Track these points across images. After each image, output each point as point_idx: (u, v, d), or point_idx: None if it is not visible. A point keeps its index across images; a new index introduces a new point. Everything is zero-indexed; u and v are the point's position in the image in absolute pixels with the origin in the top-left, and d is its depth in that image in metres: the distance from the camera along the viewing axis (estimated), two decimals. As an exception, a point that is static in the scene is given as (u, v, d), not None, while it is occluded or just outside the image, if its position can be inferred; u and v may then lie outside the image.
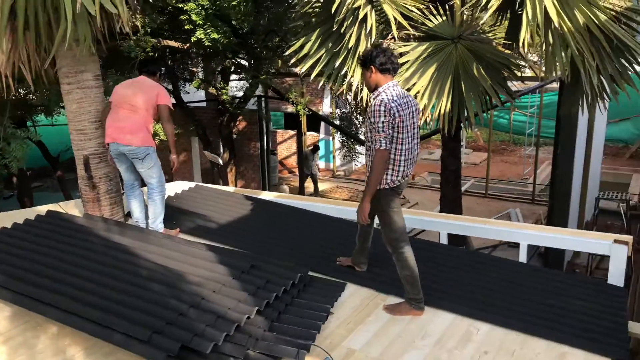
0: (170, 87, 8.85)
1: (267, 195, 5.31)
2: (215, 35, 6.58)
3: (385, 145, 3.12)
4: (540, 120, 12.34)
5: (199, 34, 6.56)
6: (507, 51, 5.84)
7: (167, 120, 4.31)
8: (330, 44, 5.26)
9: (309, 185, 13.39)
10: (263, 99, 10.20)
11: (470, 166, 16.45)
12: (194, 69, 7.93)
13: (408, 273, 3.28)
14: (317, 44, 5.37)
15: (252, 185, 10.67)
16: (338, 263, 3.88)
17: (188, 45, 7.02)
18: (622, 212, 9.49)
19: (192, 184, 5.40)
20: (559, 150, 8.63)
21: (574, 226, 9.41)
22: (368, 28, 4.81)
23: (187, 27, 6.63)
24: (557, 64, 4.73)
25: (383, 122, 3.09)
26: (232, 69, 8.61)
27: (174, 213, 4.78)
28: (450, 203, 6.92)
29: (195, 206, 4.97)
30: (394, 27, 5.03)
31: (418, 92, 5.27)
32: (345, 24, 4.98)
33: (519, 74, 5.82)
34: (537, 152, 12.62)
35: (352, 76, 5.27)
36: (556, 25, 4.33)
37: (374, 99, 3.19)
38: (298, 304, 3.22)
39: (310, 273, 3.62)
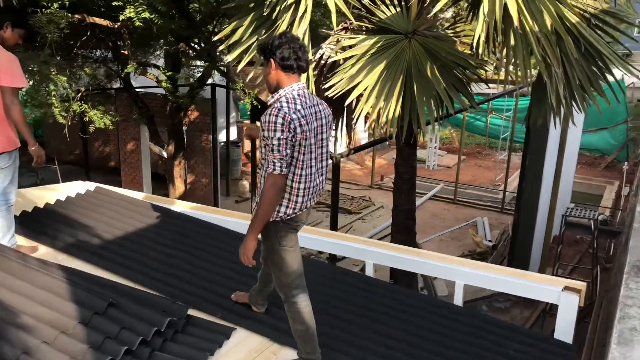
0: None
1: (179, 206, 4.58)
2: (146, 15, 5.81)
3: (280, 169, 2.40)
4: (514, 125, 11.77)
5: (129, 11, 5.78)
6: (467, 51, 5.19)
7: (11, 103, 3.36)
8: (263, 31, 4.55)
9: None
10: (216, 88, 9.45)
11: (443, 169, 15.88)
12: (124, 51, 7.11)
13: (301, 328, 2.61)
14: (249, 31, 4.65)
15: (203, 181, 9.94)
16: (233, 298, 3.18)
17: (119, 24, 6.23)
18: (592, 227, 8.96)
19: (91, 186, 4.63)
20: (527, 160, 8.04)
21: (539, 241, 8.86)
22: (299, 14, 4.11)
23: (115, 3, 5.84)
24: (518, 69, 4.08)
25: (279, 140, 2.36)
26: (181, 55, 7.82)
27: (56, 222, 4.03)
28: (403, 215, 6.27)
29: (86, 214, 4.21)
30: (333, 17, 4.33)
31: (362, 93, 4.60)
32: (277, 9, 4.28)
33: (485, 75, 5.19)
34: (509, 158, 12.06)
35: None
36: (516, 24, 3.67)
37: (269, 105, 2.48)
38: (160, 358, 2.53)
39: (192, 312, 2.93)
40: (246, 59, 4.54)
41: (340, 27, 5.32)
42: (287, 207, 2.52)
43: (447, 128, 17.90)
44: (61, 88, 5.64)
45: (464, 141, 18.06)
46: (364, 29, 5.18)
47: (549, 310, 7.92)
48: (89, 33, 6.33)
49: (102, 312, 2.66)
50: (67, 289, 2.77)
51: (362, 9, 5.05)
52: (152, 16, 5.94)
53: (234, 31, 4.70)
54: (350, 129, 6.09)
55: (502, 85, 5.21)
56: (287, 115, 2.37)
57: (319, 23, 4.56)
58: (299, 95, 2.48)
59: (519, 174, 8.58)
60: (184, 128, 9.59)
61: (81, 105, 7.34)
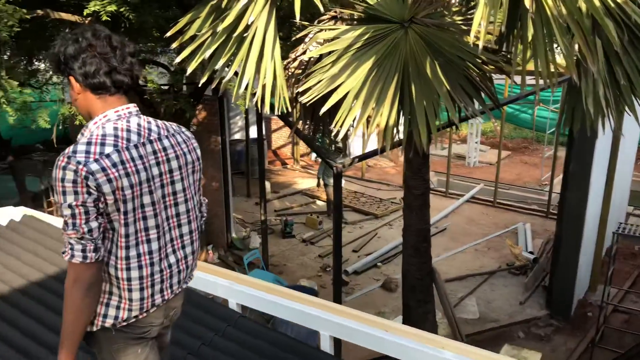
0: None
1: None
2: (113, 8, 5.07)
3: (81, 254, 1.54)
4: (560, 118, 10.44)
5: (93, 4, 5.07)
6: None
7: None
8: (219, 25, 3.70)
9: (321, 194, 11.76)
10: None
11: (485, 166, 14.61)
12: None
13: None
14: (207, 23, 3.82)
15: (214, 185, 9.24)
16: None
17: (88, 19, 5.55)
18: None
19: (20, 213, 3.92)
20: (570, 166, 6.87)
21: (588, 256, 7.66)
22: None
23: (79, -6, 5.14)
24: (540, 64, 3.07)
25: (72, 208, 1.51)
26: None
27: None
28: (414, 236, 5.33)
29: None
30: (297, 5, 3.44)
31: (345, 95, 3.70)
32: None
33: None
34: (555, 155, 10.73)
35: (248, 78, 3.71)
36: (528, 6, 2.65)
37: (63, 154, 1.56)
38: None
39: None
40: (197, 61, 3.71)
41: (327, 16, 4.41)
42: (117, 308, 1.66)
43: (490, 120, 16.53)
44: (12, 94, 4.99)
45: (509, 134, 16.70)
46: (356, 17, 4.26)
47: (599, 341, 6.77)
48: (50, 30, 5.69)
49: None
50: None
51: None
52: (122, 9, 5.20)
53: (189, 24, 3.88)
54: (345, 139, 5.18)
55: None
56: (80, 166, 1.49)
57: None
58: (118, 128, 1.59)
59: (562, 181, 7.39)
60: (192, 129, 8.92)
61: (70, 108, 6.81)
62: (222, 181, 9.28)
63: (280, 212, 11.18)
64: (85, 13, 5.20)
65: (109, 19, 5.21)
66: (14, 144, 10.77)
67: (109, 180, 1.52)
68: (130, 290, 1.64)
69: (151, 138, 1.65)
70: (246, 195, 12.16)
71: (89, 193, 1.50)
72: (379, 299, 7.96)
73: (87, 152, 1.52)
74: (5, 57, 5.79)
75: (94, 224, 1.53)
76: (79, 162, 1.50)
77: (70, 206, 1.50)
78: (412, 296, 5.55)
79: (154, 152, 1.64)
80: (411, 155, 4.91)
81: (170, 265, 1.73)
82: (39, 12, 5.29)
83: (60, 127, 7.01)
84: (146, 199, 1.60)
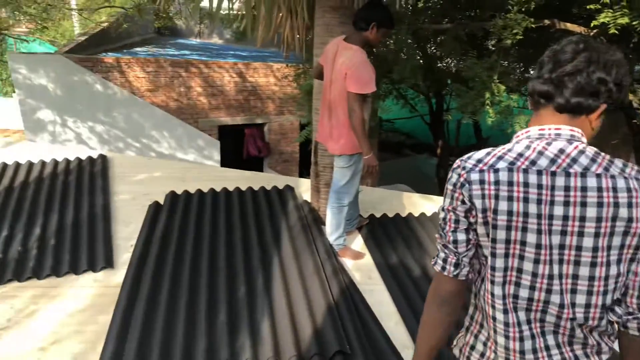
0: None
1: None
2: (624, 20, 4.52)
3: (441, 262, 1.44)
4: None
5: (604, 16, 4.64)
6: None
7: (351, 110, 3.15)
8: None
9: None
10: None
11: None
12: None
13: None
14: None
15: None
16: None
17: (596, 31, 5.11)
18: None
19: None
20: None
21: None
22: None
23: (591, 6, 4.76)
24: None
25: (445, 211, 1.46)
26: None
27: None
28: None
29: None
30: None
31: None
32: None
33: None
34: None
35: None
36: None
37: None
38: None
39: None
40: None
41: None
42: (484, 345, 1.46)
43: None
44: (498, 98, 5.15)
45: None
46: None
47: None
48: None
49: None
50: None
51: None
52: (635, 22, 4.60)
53: None
54: None
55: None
56: (464, 172, 1.36)
57: None
58: (530, 147, 1.32)
59: None
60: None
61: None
62: None
63: None
64: (592, 24, 4.83)
65: (616, 32, 4.69)
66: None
67: (483, 196, 1.32)
68: (495, 332, 1.41)
69: (570, 170, 1.28)
70: None
71: (463, 202, 1.36)
72: None
73: (479, 160, 1.35)
74: (505, 63, 6.03)
75: (460, 236, 1.39)
76: (464, 168, 1.36)
77: (444, 209, 1.41)
78: None
79: (566, 189, 1.28)
80: None
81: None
82: (546, 21, 5.23)
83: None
84: (530, 237, 1.30)
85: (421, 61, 6.93)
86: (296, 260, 3.35)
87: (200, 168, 6.22)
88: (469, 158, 1.38)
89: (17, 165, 4.93)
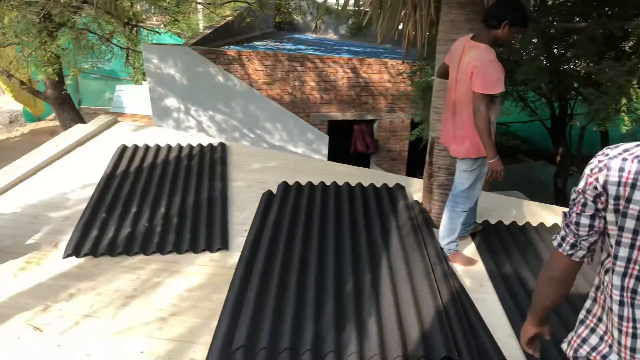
0: None
1: None
2: None
3: (559, 240, 1.52)
4: None
5: None
6: None
7: (476, 110, 2.99)
8: None
9: None
10: None
11: None
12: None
13: None
14: None
15: None
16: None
17: None
18: None
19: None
20: None
21: None
22: None
23: None
24: None
25: (575, 192, 1.47)
26: None
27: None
28: None
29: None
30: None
31: None
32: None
33: None
34: None
35: None
36: None
37: None
38: None
39: None
40: None
41: None
42: (601, 339, 1.47)
43: None
44: (636, 104, 4.71)
45: None
46: None
47: None
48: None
49: None
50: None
51: None
52: None
53: None
54: None
55: None
56: (604, 158, 1.40)
57: None
58: None
59: None
60: None
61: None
62: None
63: None
64: None
65: None
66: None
67: (618, 184, 1.32)
68: (612, 325, 1.40)
69: None
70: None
71: (595, 187, 1.37)
72: None
73: (626, 150, 1.35)
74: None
75: (584, 220, 1.41)
76: (607, 155, 1.37)
77: (575, 191, 1.44)
78: None
79: None
80: None
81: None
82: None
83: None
84: None
85: (546, 62, 6.53)
86: (405, 261, 3.30)
87: (311, 161, 6.33)
88: (616, 147, 1.39)
89: (147, 148, 5.32)
